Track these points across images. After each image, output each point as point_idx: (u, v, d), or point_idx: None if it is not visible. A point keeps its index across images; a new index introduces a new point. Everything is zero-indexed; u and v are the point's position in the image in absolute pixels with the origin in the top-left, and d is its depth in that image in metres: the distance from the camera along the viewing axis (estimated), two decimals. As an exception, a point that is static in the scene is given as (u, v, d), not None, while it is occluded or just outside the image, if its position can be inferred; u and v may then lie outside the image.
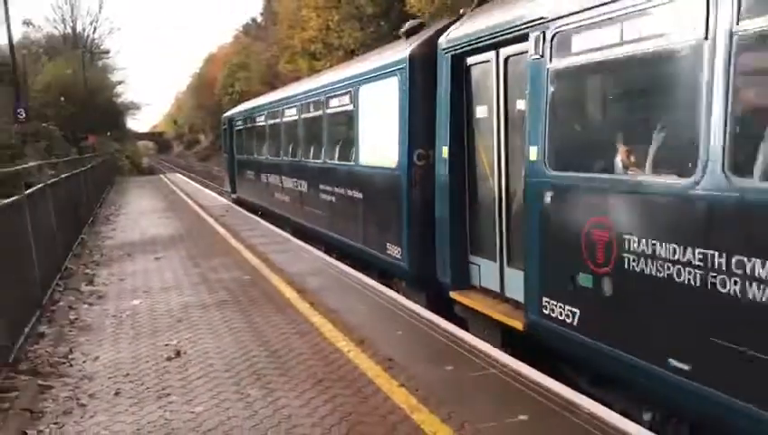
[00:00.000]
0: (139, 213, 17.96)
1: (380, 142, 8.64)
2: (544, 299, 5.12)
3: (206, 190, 24.94)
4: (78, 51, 49.45)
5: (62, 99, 39.09)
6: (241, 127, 20.06)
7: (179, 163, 76.90)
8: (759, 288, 3.32)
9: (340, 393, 4.56)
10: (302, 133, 12.65)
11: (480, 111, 6.54)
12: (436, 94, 7.10)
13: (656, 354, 3.99)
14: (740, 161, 3.54)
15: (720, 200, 3.57)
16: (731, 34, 3.51)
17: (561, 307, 4.92)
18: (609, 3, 4.35)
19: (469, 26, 6.58)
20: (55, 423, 4.33)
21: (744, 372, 3.43)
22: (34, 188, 7.90)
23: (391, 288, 8.01)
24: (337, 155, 10.43)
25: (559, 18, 4.93)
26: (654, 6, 4.03)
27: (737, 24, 3.47)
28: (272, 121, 15.38)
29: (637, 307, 4.20)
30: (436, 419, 4.06)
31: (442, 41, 7.06)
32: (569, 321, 4.83)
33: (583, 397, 4.35)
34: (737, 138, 3.55)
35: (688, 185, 3.73)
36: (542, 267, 5.19)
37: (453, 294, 6.75)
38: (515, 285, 5.76)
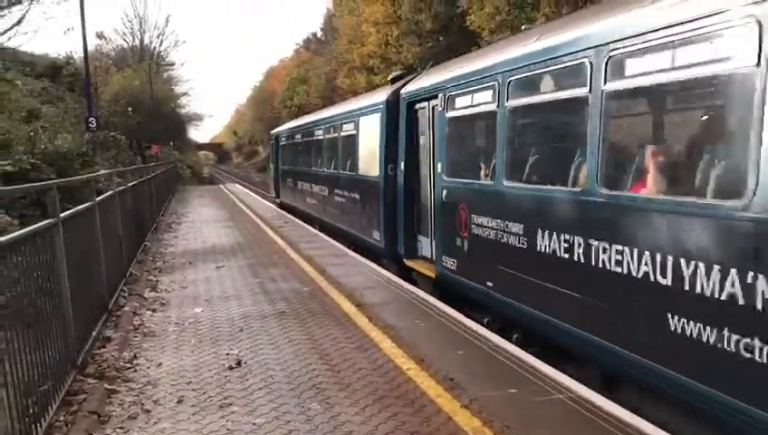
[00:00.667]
0: (200, 222, 18.34)
1: (370, 158, 11.73)
2: (443, 257, 8.34)
3: (265, 202, 25.28)
4: (145, 63, 51.15)
5: (130, 109, 40.39)
6: (284, 142, 23.81)
7: (238, 174, 78.43)
8: (514, 236, 6.38)
9: (402, 412, 4.49)
10: (324, 149, 16.14)
11: (422, 139, 9.85)
12: (399, 127, 10.46)
13: (482, 279, 7.15)
14: (509, 171, 6.71)
15: (501, 190, 6.76)
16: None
17: (451, 261, 8.07)
18: (473, 84, 7.58)
19: (416, 84, 10.05)
20: (121, 428, 4.39)
21: (516, 284, 6.40)
22: (105, 195, 8.13)
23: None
24: (346, 166, 13.65)
25: (450, 87, 8.26)
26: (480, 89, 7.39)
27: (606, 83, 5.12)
28: (305, 139, 19.00)
29: (475, 254, 7.40)
30: (500, 443, 3.96)
31: (402, 92, 10.42)
32: (453, 268, 8.05)
33: (657, 428, 4.16)
34: (512, 157, 6.80)
35: (495, 183, 6.89)
36: (442, 237, 8.45)
37: (406, 262, 10.11)
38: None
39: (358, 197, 12.48)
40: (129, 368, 5.60)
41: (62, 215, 5.09)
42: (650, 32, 4.45)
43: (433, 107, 8.98)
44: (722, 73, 4.05)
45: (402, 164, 10.19)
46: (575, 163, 5.64)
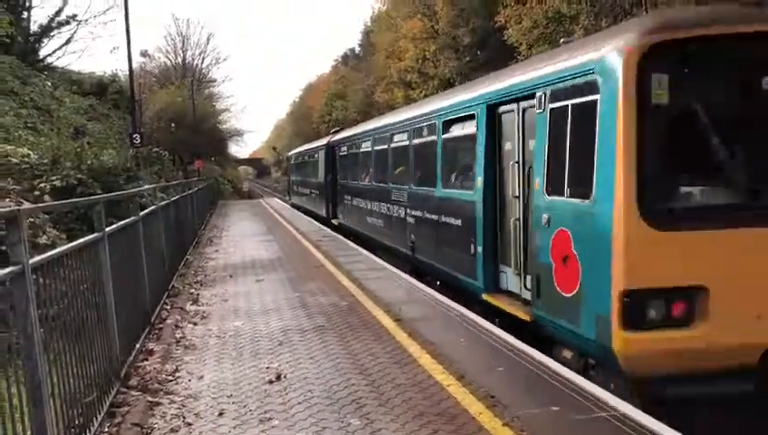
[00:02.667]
0: (240, 235, 18.56)
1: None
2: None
3: (303, 216, 25.47)
4: (187, 80, 52.25)
5: (173, 125, 41.25)
6: (293, 162, 36.81)
7: (277, 188, 79.17)
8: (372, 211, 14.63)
9: (442, 429, 4.44)
10: (320, 166, 23.42)
11: (337, 167, 20.15)
12: (332, 162, 20.86)
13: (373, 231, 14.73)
14: (389, 178, 13.21)
15: (385, 187, 13.18)
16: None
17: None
18: (355, 136, 17.29)
19: (336, 136, 21.38)
20: (163, 440, 4.44)
21: (379, 230, 13.85)
22: (148, 209, 8.29)
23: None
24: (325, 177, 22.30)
25: (337, 143, 20.41)
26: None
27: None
28: (300, 161, 32.36)
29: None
30: (543, 463, 3.87)
31: (330, 140, 21.66)
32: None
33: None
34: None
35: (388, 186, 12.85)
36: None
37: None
38: None
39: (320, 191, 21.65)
40: (171, 380, 5.67)
41: (107, 229, 5.20)
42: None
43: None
44: (467, 135, 9.04)
45: (328, 178, 22.00)
46: (431, 174, 10.46)
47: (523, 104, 7.30)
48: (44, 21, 34.26)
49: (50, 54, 34.91)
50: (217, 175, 50.07)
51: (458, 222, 9.07)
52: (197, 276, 11.39)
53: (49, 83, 28.47)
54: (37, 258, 3.47)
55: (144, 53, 56.90)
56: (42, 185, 10.76)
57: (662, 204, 5.30)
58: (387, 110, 64.54)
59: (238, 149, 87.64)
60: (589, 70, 5.76)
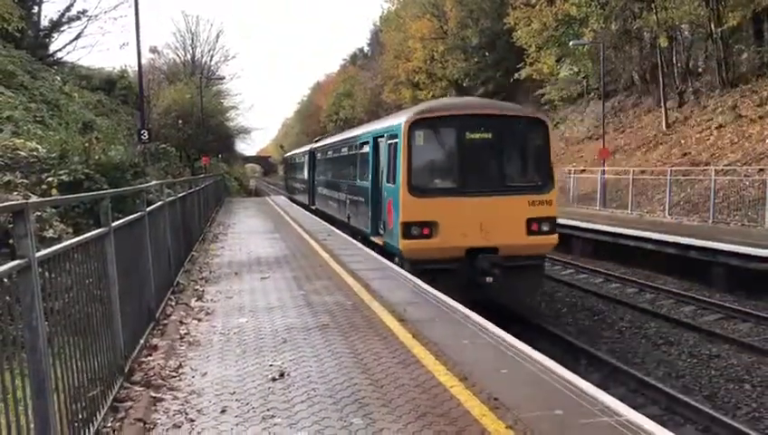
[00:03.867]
0: (246, 233, 18.59)
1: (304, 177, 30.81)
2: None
3: (309, 214, 25.49)
4: (195, 77, 52.34)
5: (180, 122, 41.32)
6: (288, 162, 46.47)
7: (283, 186, 79.23)
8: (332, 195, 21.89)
9: (445, 430, 4.43)
10: (305, 167, 30.75)
11: (315, 167, 26.94)
12: (312, 164, 27.65)
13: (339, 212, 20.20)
14: (338, 176, 20.71)
15: (336, 181, 20.63)
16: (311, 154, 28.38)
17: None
18: (324, 146, 25.24)
19: (315, 145, 28.49)
20: (166, 436, 4.44)
21: (334, 210, 20.75)
22: (155, 205, 8.29)
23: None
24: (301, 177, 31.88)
25: (318, 150, 26.54)
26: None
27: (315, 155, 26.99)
28: (292, 162, 40.64)
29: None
30: (546, 466, 3.86)
31: (312, 147, 29.19)
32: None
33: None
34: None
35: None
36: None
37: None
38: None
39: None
40: (175, 377, 5.67)
41: (113, 224, 5.20)
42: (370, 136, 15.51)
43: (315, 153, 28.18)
44: (365, 152, 15.38)
45: (309, 177, 29.26)
46: (353, 173, 17.00)
47: (380, 139, 14.04)
48: (55, 16, 34.40)
49: (60, 49, 35.02)
50: (224, 172, 50.15)
51: (362, 199, 15.68)
52: (203, 273, 11.41)
53: (58, 78, 28.57)
54: (43, 252, 3.47)
55: (153, 50, 57.00)
56: (49, 179, 10.79)
57: (417, 187, 11.79)
58: (394, 109, 64.59)
59: (245, 147, 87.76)
60: (396, 127, 12.55)
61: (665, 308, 13.38)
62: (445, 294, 9.08)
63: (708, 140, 25.18)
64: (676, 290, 14.56)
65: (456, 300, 8.73)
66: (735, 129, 24.24)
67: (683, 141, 26.58)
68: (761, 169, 19.79)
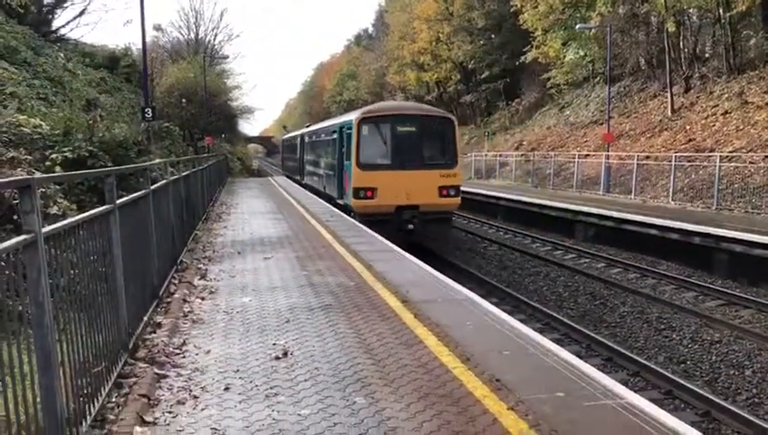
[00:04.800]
0: (248, 213, 18.60)
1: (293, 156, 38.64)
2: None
3: (312, 195, 25.47)
4: (199, 55, 52.07)
5: (184, 101, 41.17)
6: (284, 144, 50.84)
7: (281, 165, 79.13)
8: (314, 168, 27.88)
9: (447, 410, 4.45)
10: (297, 149, 35.23)
11: (304, 149, 31.49)
12: (303, 146, 32.06)
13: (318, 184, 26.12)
14: (318, 155, 26.35)
15: (317, 160, 26.88)
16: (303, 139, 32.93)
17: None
18: (310, 132, 30.62)
19: (305, 130, 33.82)
20: (169, 412, 4.47)
21: (316, 183, 26.22)
22: (159, 183, 8.29)
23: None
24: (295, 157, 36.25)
25: (306, 134, 31.41)
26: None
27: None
28: (287, 144, 46.05)
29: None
30: (548, 447, 3.88)
31: (303, 132, 34.57)
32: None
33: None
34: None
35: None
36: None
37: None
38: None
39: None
40: (179, 354, 5.70)
41: (118, 201, 5.20)
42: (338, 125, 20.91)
43: (304, 138, 32.79)
44: (334, 138, 20.48)
45: (302, 159, 32.87)
46: (334, 156, 20.64)
47: (343, 129, 18.82)
48: (58, -8, 34.15)
49: (63, 26, 34.85)
50: (227, 152, 50.06)
51: (332, 173, 20.89)
52: (206, 252, 11.43)
53: (62, 55, 28.42)
54: (49, 228, 3.47)
55: (157, 27, 56.63)
56: (53, 156, 10.76)
57: (364, 163, 17.04)
58: (399, 91, 64.17)
59: (249, 127, 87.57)
60: (350, 122, 17.65)
61: (667, 294, 13.39)
62: (382, 236, 13.38)
63: (714, 126, 25.05)
64: (678, 276, 14.56)
65: (390, 241, 12.76)
66: (741, 115, 24.10)
67: (688, 127, 26.44)
68: (766, 156, 19.70)
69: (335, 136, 20.34)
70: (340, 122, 20.43)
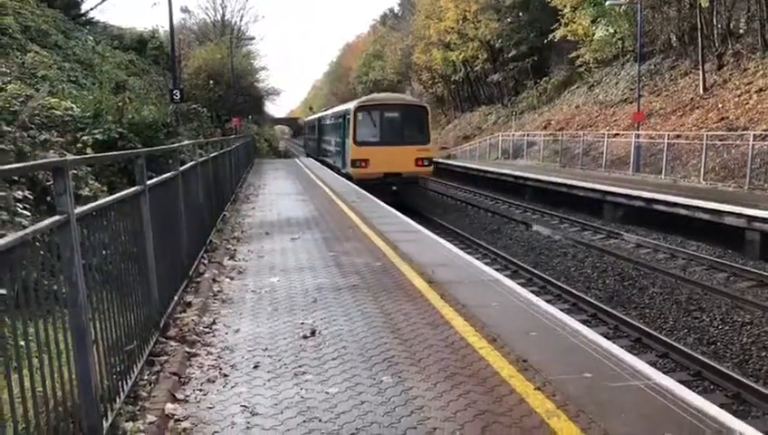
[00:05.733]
0: (276, 194, 18.72)
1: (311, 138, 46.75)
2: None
3: (337, 176, 25.55)
4: (226, 37, 52.22)
5: (211, 82, 41.38)
6: (306, 126, 57.92)
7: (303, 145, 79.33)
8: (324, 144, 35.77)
9: (473, 390, 4.47)
10: (315, 130, 41.77)
11: (321, 130, 37.73)
12: (319, 128, 38.56)
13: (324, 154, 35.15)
14: (329, 135, 33.09)
15: (329, 139, 33.05)
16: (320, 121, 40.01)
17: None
18: (322, 117, 38.31)
19: (319, 114, 44.17)
20: (200, 390, 4.56)
21: (326, 156, 33.42)
22: (188, 165, 8.37)
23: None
24: (321, 137, 38.02)
25: (321, 118, 38.64)
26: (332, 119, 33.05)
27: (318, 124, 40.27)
28: (308, 125, 53.23)
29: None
30: (574, 427, 3.88)
31: (318, 116, 43.46)
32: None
33: (742, 423, 3.99)
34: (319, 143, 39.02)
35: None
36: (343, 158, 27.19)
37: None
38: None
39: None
40: (209, 333, 5.80)
41: (148, 182, 5.27)
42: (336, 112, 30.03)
43: (314, 123, 43.08)
44: (341, 122, 26.25)
45: (322, 140, 37.09)
46: (339, 136, 27.06)
47: (346, 115, 24.63)
48: (87, -26, 34.43)
49: (92, 8, 35.16)
50: (254, 133, 50.30)
51: (339, 149, 26.68)
52: (235, 232, 11.55)
53: (91, 38, 28.72)
54: (82, 208, 3.54)
55: (184, 10, 57.05)
56: (84, 138, 10.93)
57: (359, 141, 22.97)
58: (424, 71, 63.72)
59: (275, 109, 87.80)
60: (349, 110, 24.10)
61: (697, 275, 13.21)
62: (373, 195, 17.71)
63: (747, 104, 24.47)
64: (708, 256, 14.36)
65: (379, 199, 16.93)
66: (776, 92, 23.53)
67: (720, 105, 25.88)
68: (802, 135, 19.23)
69: (340, 120, 26.58)
70: (343, 109, 27.31)
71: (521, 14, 47.83)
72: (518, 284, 8.38)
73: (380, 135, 23.07)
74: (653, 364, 7.55)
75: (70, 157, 8.45)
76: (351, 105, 24.28)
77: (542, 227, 19.51)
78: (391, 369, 4.88)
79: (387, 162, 22.13)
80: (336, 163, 27.80)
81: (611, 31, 36.22)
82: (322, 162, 34.04)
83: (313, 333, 5.72)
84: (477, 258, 11.60)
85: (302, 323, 6.01)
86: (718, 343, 9.46)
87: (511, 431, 3.87)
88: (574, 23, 37.57)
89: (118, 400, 3.87)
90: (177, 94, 20.36)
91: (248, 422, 4.04)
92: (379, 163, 22.21)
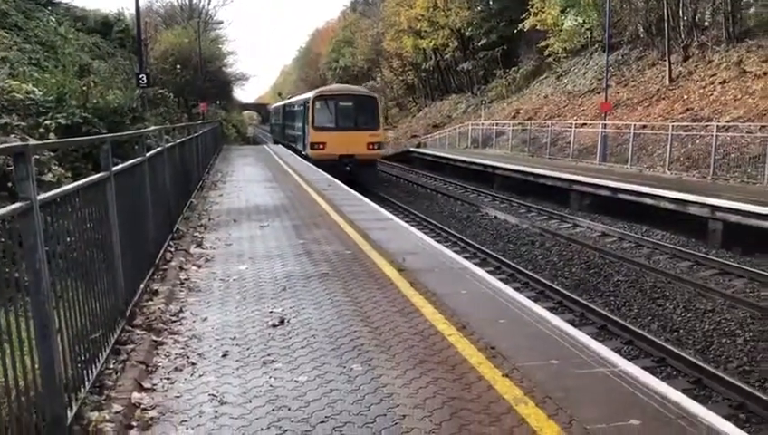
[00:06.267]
0: (244, 181, 18.55)
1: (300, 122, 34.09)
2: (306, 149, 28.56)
3: (308, 163, 25.41)
4: (193, 21, 51.38)
5: (178, 67, 40.73)
6: (271, 113, 59.76)
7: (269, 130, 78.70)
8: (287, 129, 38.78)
9: (442, 377, 4.50)
10: (279, 116, 44.53)
11: (284, 116, 39.98)
12: (283, 114, 41.02)
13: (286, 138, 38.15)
14: (291, 120, 36.62)
15: (291, 124, 36.77)
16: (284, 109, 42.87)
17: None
18: (286, 104, 41.10)
19: (284, 102, 44.22)
20: (167, 379, 4.51)
21: (288, 140, 36.84)
22: (154, 151, 8.23)
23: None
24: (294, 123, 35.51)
25: (285, 105, 41.51)
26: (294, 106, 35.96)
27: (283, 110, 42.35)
28: (274, 112, 55.43)
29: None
30: (542, 413, 3.93)
31: (283, 103, 44.74)
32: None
33: (703, 408, 4.09)
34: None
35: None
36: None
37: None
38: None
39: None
40: (176, 321, 5.74)
41: (114, 169, 5.17)
42: (299, 100, 32.80)
43: (277, 108, 47.61)
44: (302, 109, 28.79)
45: (284, 125, 39.87)
46: (301, 122, 29.39)
47: (306, 103, 27.33)
48: (48, -46, 33.48)
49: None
50: (222, 119, 49.72)
51: (300, 133, 29.38)
52: (201, 220, 11.42)
53: (53, 19, 28.02)
54: (46, 194, 3.45)
55: (151, -8, 55.81)
56: (47, 122, 10.68)
57: (317, 126, 25.67)
58: (395, 58, 63.55)
59: (243, 94, 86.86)
60: (308, 99, 27.12)
61: (661, 263, 13.47)
62: (329, 174, 20.02)
63: (711, 95, 24.94)
64: (672, 245, 14.64)
65: (335, 177, 19.21)
66: (739, 84, 24.00)
67: (686, 96, 26.34)
68: (763, 126, 19.66)
69: (301, 108, 29.50)
70: (303, 98, 30.14)
71: (491, 2, 48.03)
72: (487, 272, 8.46)
73: (336, 121, 25.67)
74: (618, 351, 7.71)
75: (32, 142, 8.24)
76: (311, 94, 27.29)
77: (510, 215, 19.68)
78: (361, 357, 4.88)
79: (342, 145, 24.80)
80: (298, 146, 30.48)
81: (580, 21, 36.56)
82: (287, 146, 36.31)
83: (282, 321, 5.69)
84: (447, 246, 11.67)
85: (271, 312, 5.97)
86: (681, 331, 9.66)
87: (479, 418, 3.90)
88: (543, 12, 37.81)
89: (83, 389, 3.80)
90: (144, 79, 19.98)
91: (216, 411, 4.01)
92: (334, 146, 24.86)
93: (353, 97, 26.87)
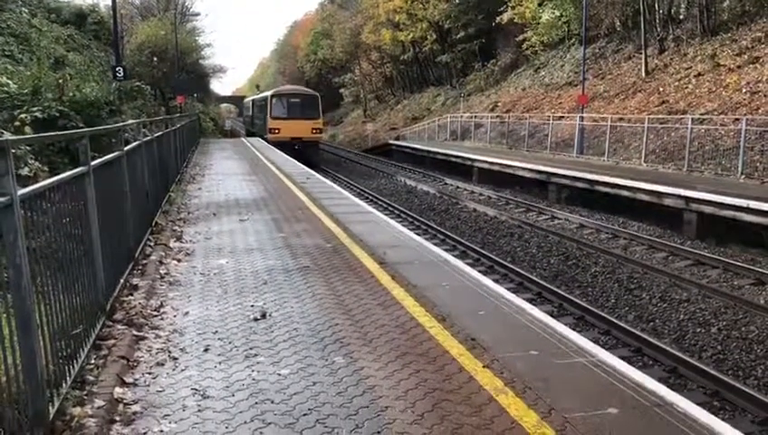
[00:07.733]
0: (222, 174, 18.45)
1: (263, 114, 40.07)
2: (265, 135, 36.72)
3: (287, 156, 25.33)
4: (170, 12, 50.81)
5: (155, 59, 40.29)
6: (244, 106, 64.13)
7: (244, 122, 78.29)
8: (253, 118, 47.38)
9: (424, 369, 4.55)
10: (250, 108, 50.44)
11: (253, 109, 45.85)
12: (252, 107, 47.84)
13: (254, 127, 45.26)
14: (258, 112, 43.92)
15: (259, 115, 42.74)
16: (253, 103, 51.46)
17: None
18: (255, 99, 48.12)
19: (253, 97, 51.42)
20: (149, 373, 4.50)
21: (255, 128, 43.68)
22: (132, 144, 8.17)
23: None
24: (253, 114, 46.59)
25: (254, 100, 47.84)
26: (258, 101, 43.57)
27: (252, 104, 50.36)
28: (246, 105, 59.39)
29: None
30: (522, 403, 4.00)
31: (252, 98, 52.89)
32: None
33: (678, 396, 4.19)
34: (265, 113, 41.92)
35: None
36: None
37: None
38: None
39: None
40: (156, 316, 5.72)
41: (92, 163, 5.13)
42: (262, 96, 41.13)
43: (253, 102, 47.93)
44: (265, 104, 36.25)
45: (253, 116, 45.75)
46: (263, 113, 37.27)
47: (268, 99, 35.15)
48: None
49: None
50: (199, 112, 49.31)
51: (263, 122, 37.04)
52: (181, 214, 11.36)
53: (26, 10, 27.54)
54: (26, 190, 3.43)
55: (126, -17, 55.03)
56: (22, 116, 10.51)
57: (274, 116, 34.02)
58: (374, 51, 63.43)
59: (221, 87, 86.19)
60: (268, 96, 36.06)
61: (637, 254, 13.66)
62: (283, 152, 27.39)
63: (686, 88, 25.25)
64: (648, 237, 14.85)
65: (288, 155, 26.19)
66: (714, 77, 24.32)
67: (662, 89, 26.63)
68: (736, 119, 19.97)
69: (264, 102, 36.11)
70: (264, 96, 38.98)
71: (469, -5, 48.01)
72: (467, 264, 8.54)
73: (288, 113, 33.69)
74: (596, 341, 7.83)
75: (10, 136, 8.15)
76: (269, 93, 36.85)
77: (489, 207, 19.81)
78: (343, 350, 4.92)
79: (292, 130, 32.70)
80: (260, 132, 38.80)
81: (557, 14, 36.75)
82: (255, 133, 43.28)
83: (264, 315, 5.70)
84: (427, 239, 11.73)
85: (253, 306, 5.98)
86: (657, 320, 9.83)
87: (460, 408, 3.96)
88: (521, 5, 37.95)
89: (65, 384, 3.80)
90: (121, 71, 19.75)
91: (199, 405, 4.02)
92: (287, 131, 32.83)
93: (300, 95, 35.74)
